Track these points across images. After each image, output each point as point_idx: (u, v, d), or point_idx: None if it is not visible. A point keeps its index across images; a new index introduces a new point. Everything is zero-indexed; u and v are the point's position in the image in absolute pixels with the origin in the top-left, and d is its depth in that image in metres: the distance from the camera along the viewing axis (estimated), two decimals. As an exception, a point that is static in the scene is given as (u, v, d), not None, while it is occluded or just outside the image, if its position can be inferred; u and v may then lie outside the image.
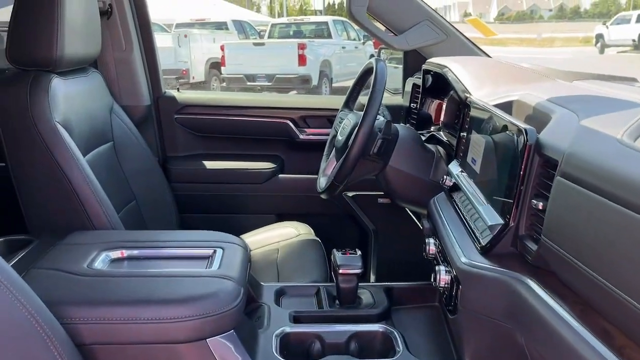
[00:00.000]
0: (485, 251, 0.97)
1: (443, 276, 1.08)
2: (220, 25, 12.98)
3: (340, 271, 1.29)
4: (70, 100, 1.48)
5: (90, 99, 1.63)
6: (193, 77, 10.73)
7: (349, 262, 1.29)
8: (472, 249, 1.03)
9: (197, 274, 1.11)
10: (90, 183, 1.37)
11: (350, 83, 1.71)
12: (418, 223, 1.74)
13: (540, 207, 0.86)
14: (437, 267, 1.11)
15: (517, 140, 0.93)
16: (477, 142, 1.17)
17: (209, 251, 1.24)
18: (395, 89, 2.16)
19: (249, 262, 1.26)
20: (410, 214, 1.80)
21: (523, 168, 0.89)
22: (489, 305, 0.93)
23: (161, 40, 10.59)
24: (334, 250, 1.35)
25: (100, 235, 1.31)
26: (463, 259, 1.01)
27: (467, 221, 1.10)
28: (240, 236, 1.94)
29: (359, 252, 1.34)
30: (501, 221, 0.94)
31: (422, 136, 1.63)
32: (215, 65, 10.94)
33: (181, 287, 1.05)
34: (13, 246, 1.30)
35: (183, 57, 10.61)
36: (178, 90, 2.13)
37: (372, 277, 2.12)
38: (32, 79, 1.38)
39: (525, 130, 0.89)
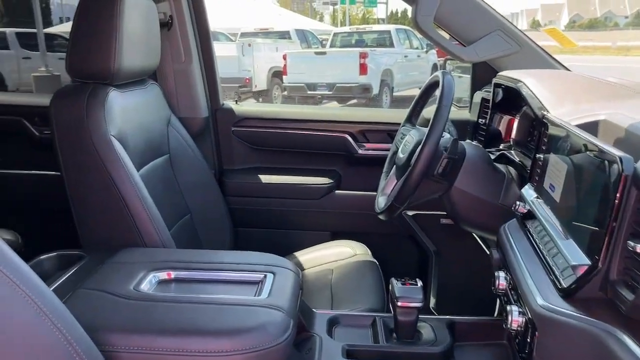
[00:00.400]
0: (567, 294, 0.85)
1: (515, 317, 0.96)
2: (284, 35, 13.13)
3: (399, 304, 1.19)
4: (127, 113, 1.47)
5: (148, 112, 1.61)
6: (255, 86, 10.88)
7: (408, 294, 1.19)
8: (550, 289, 0.90)
9: (245, 303, 1.05)
10: (142, 199, 1.34)
11: (411, 92, 1.61)
12: (485, 249, 1.61)
13: (639, 250, 0.73)
14: (508, 307, 0.99)
15: (609, 169, 0.80)
16: (557, 167, 1.04)
17: (259, 276, 1.17)
18: (459, 98, 2.03)
19: (301, 289, 1.18)
20: (477, 238, 1.67)
21: (617, 202, 0.76)
22: (571, 358, 0.81)
23: (226, 49, 10.83)
24: (393, 279, 1.25)
25: (150, 254, 1.27)
26: (540, 301, 0.89)
27: (543, 255, 0.97)
28: (294, 253, 1.88)
29: (419, 283, 1.23)
30: (587, 261, 0.82)
31: (491, 154, 1.51)
32: (277, 74, 11.06)
33: (228, 317, 0.99)
34: (65, 261, 1.29)
35: (246, 65, 10.78)
36: (236, 103, 2.10)
37: (432, 301, 2.00)
38: (90, 92, 1.37)
39: (621, 158, 0.77)
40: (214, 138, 2.02)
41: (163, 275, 1.17)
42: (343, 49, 11.62)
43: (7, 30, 12.44)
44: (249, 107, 2.08)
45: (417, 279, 1.25)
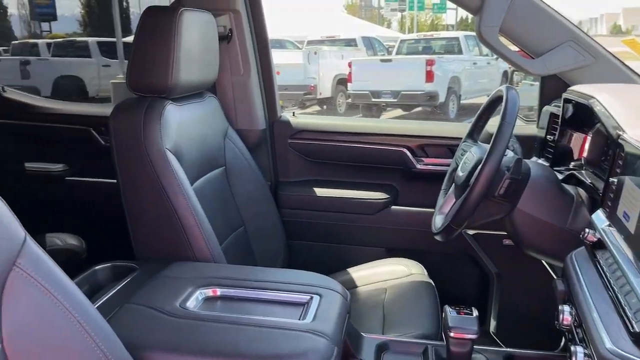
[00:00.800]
0: (639, 340, 0.76)
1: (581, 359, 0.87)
2: (350, 42, 13.14)
3: (452, 334, 1.12)
4: (184, 126, 1.48)
5: (205, 124, 1.63)
6: (320, 93, 10.95)
7: (462, 325, 1.12)
8: (620, 331, 0.81)
9: (289, 326, 1.02)
10: (195, 213, 1.35)
11: (480, 100, 1.53)
12: (553, 275, 1.50)
13: None
14: (572, 347, 0.90)
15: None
16: (633, 194, 0.94)
17: (305, 297, 1.14)
18: (530, 107, 1.92)
19: (348, 314, 1.14)
20: (544, 263, 1.56)
21: None
22: None
23: (292, 57, 10.97)
24: (447, 307, 1.18)
25: (199, 269, 1.27)
26: (608, 344, 0.80)
27: (614, 292, 0.88)
28: (347, 269, 1.84)
29: (475, 313, 1.15)
30: None
31: (559, 174, 1.40)
32: (342, 82, 11.07)
33: (270, 341, 0.96)
34: (118, 272, 1.31)
35: (312, 73, 10.87)
36: (294, 115, 2.09)
37: (493, 324, 1.90)
38: (147, 105, 1.39)
39: None
40: (270, 150, 2.01)
41: (209, 292, 1.16)
42: (409, 56, 11.47)
43: (89, 39, 13.20)
44: (306, 119, 2.06)
45: (473, 308, 1.17)
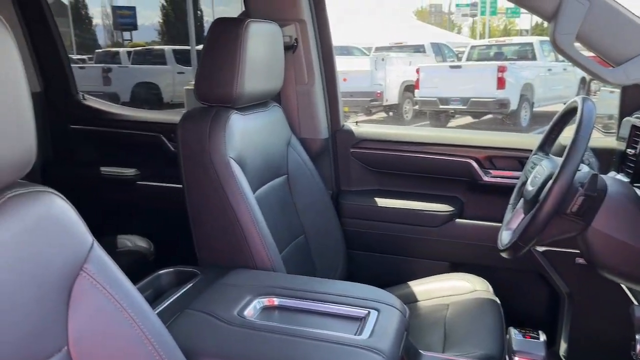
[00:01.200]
0: None
1: None
2: (418, 48, 12.98)
3: (517, 358, 1.06)
4: (248, 135, 1.51)
5: (268, 133, 1.65)
6: (386, 100, 10.87)
7: (528, 349, 1.06)
8: None
9: (345, 342, 1.00)
10: (256, 222, 1.36)
11: (554, 108, 1.45)
12: (633, 299, 1.40)
13: None
14: None
15: None
16: None
17: (363, 312, 1.12)
18: (610, 115, 1.80)
19: (406, 331, 1.11)
20: (623, 286, 1.46)
21: None
22: None
23: (359, 64, 10.97)
24: (511, 329, 1.13)
25: (258, 277, 1.28)
26: None
27: None
28: (408, 282, 1.80)
29: (542, 337, 1.09)
30: None
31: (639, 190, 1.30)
32: (409, 88, 10.95)
33: (325, 356, 0.95)
34: (181, 277, 1.34)
35: (378, 80, 10.82)
36: (356, 124, 2.07)
37: (563, 347, 1.79)
38: (214, 115, 1.43)
39: None
40: (332, 159, 2.01)
41: (268, 301, 1.17)
42: (480, 62, 11.16)
43: (166, 47, 13.81)
44: (368, 128, 2.04)
45: (540, 332, 1.11)
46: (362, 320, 1.10)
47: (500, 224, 1.43)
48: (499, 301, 1.61)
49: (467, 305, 1.60)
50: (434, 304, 1.65)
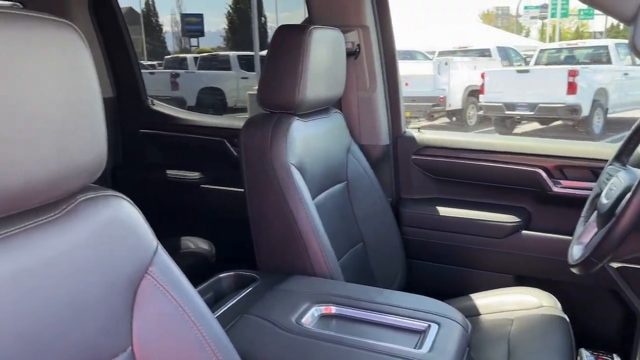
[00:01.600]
0: None
1: None
2: (484, 52, 12.66)
3: (588, 382, 1.00)
4: (309, 141, 1.51)
5: (329, 140, 1.64)
6: (449, 105, 10.66)
7: (600, 373, 1.00)
8: None
9: (404, 355, 0.98)
10: (315, 228, 1.36)
11: (631, 114, 1.36)
12: None
13: None
14: None
15: None
16: None
17: (423, 325, 1.09)
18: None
19: (468, 347, 1.07)
20: None
21: None
22: None
23: (422, 68, 10.82)
24: (583, 350, 1.06)
25: (316, 284, 1.28)
26: None
27: None
28: (470, 295, 1.74)
29: (616, 361, 1.02)
30: None
31: None
32: (474, 93, 10.69)
33: None
34: (241, 281, 1.36)
35: (441, 84, 10.63)
36: (419, 130, 2.03)
37: (638, 371, 1.68)
38: (276, 121, 1.44)
39: None
40: (393, 166, 1.98)
41: (325, 309, 1.16)
42: (549, 66, 10.74)
43: (230, 53, 14.18)
44: (431, 135, 2.00)
45: (615, 355, 1.04)
46: (422, 333, 1.07)
47: (570, 237, 1.36)
48: (567, 319, 1.53)
49: (534, 322, 1.53)
50: (497, 318, 1.59)
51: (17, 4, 2.15)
